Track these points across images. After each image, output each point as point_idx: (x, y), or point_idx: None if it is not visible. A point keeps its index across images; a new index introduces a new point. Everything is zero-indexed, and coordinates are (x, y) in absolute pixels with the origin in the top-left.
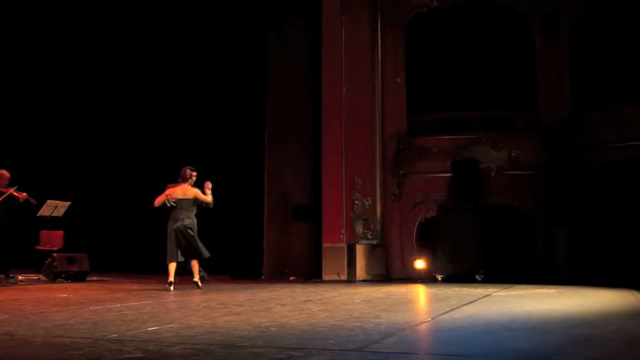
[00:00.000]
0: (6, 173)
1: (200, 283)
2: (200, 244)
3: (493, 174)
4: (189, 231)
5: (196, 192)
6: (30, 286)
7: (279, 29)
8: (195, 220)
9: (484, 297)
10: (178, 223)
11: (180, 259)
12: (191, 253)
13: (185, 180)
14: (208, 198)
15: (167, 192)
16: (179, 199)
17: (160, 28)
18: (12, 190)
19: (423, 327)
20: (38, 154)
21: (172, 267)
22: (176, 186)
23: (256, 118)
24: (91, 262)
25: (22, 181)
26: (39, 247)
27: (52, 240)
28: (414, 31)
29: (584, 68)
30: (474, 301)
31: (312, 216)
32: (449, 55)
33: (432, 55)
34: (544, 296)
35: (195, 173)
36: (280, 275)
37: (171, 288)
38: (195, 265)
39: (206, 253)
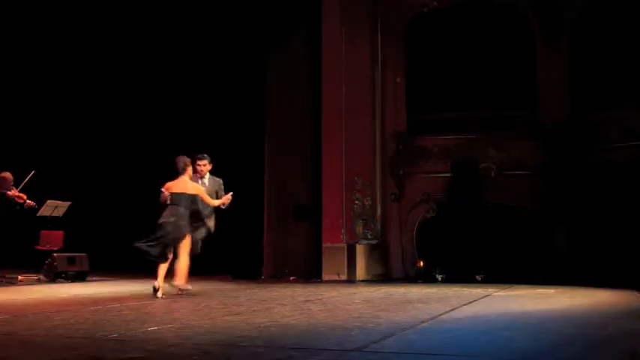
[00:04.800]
0: (9, 175)
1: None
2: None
3: (493, 174)
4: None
5: (200, 190)
6: (30, 286)
7: (280, 29)
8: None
9: (484, 297)
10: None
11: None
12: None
13: (183, 172)
14: (214, 202)
15: (165, 186)
16: (174, 194)
17: (164, 35)
18: (16, 192)
19: (423, 327)
20: (38, 154)
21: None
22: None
23: (257, 119)
24: (91, 262)
25: (22, 181)
26: (39, 247)
27: (52, 240)
28: (414, 30)
29: (584, 68)
30: (474, 301)
31: (312, 216)
32: (449, 55)
33: (432, 55)
34: (544, 296)
35: (201, 162)
36: (280, 275)
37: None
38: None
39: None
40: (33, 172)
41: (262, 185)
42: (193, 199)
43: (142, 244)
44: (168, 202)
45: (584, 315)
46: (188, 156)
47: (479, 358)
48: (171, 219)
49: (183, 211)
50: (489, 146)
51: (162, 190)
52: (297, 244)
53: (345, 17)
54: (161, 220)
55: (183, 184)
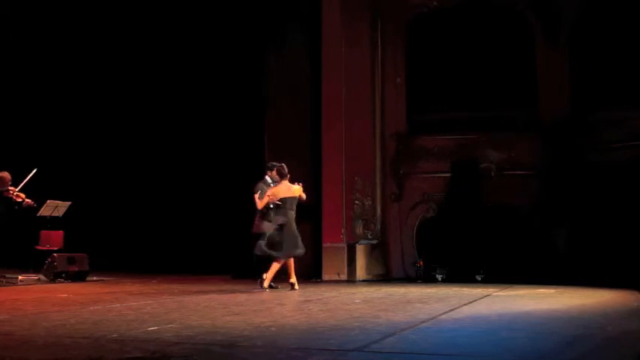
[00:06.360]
0: (7, 175)
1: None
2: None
3: (493, 174)
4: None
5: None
6: (30, 286)
7: (280, 29)
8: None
9: (484, 297)
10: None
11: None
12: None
13: (285, 177)
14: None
15: (270, 192)
16: (285, 198)
17: (164, 36)
18: (14, 191)
19: (423, 327)
20: (38, 154)
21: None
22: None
23: (256, 119)
24: (91, 262)
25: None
26: (39, 247)
27: (52, 240)
28: (414, 30)
29: (584, 68)
30: (474, 301)
31: (312, 216)
32: (449, 55)
33: (432, 55)
34: (544, 296)
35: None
36: (280, 275)
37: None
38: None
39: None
40: (34, 170)
41: None
42: (296, 199)
43: (265, 249)
44: (276, 205)
45: (584, 315)
46: (266, 163)
47: (479, 358)
48: (288, 221)
49: (292, 213)
50: (489, 146)
51: (268, 194)
52: None
53: (345, 17)
54: (280, 222)
55: (289, 188)
